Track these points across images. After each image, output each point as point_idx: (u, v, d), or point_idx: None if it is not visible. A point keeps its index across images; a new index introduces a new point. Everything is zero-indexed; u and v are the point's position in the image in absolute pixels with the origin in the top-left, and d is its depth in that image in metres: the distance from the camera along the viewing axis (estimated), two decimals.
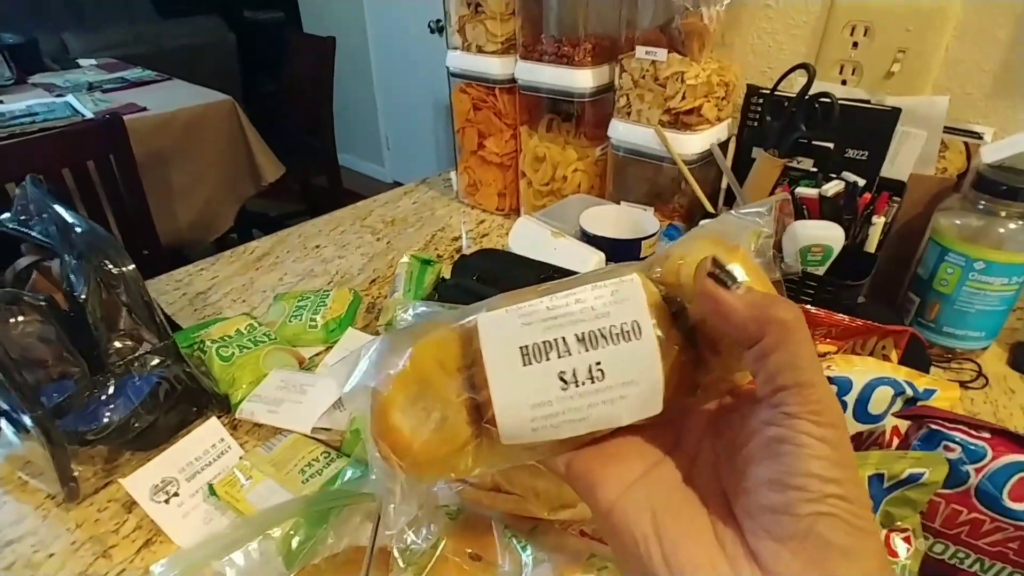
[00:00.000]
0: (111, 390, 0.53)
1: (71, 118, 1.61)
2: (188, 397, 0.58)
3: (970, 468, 0.34)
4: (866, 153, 0.74)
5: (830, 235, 0.67)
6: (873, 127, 0.73)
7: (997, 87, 0.76)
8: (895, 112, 0.72)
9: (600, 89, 0.87)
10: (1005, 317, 0.67)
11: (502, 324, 0.24)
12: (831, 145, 0.75)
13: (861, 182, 0.72)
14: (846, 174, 0.73)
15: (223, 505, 0.51)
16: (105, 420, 0.52)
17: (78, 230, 0.53)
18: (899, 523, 0.34)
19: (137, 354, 0.54)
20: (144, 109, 1.70)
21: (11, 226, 0.60)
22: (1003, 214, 0.61)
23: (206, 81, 2.02)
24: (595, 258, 0.69)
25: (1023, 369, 0.69)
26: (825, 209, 0.70)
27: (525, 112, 0.97)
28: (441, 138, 2.94)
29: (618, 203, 0.88)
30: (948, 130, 0.74)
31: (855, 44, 0.79)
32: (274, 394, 0.60)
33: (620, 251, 0.72)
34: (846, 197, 0.69)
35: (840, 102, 0.71)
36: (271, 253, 0.94)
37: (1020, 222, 0.61)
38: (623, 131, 0.84)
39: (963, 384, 0.69)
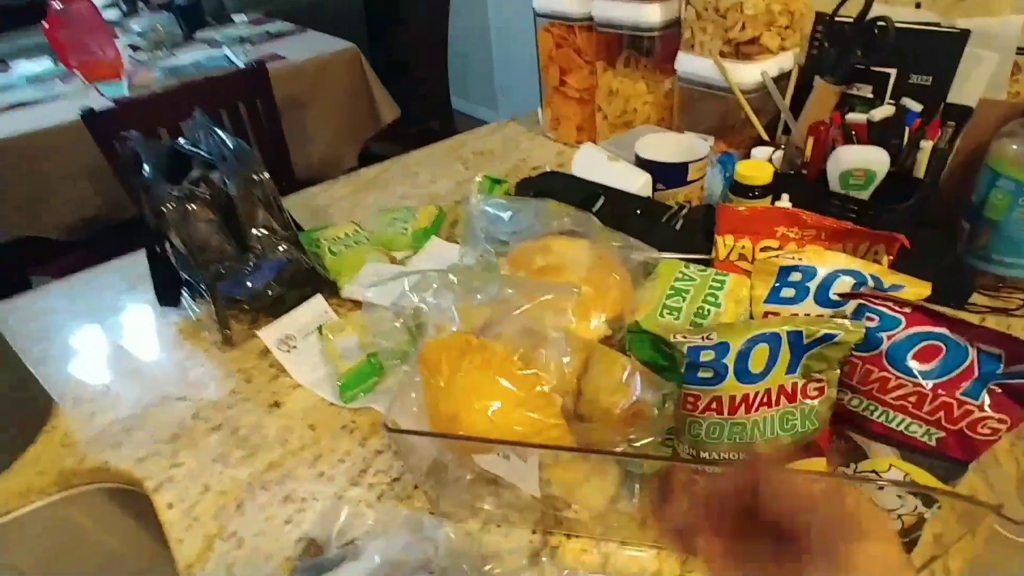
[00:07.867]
0: (252, 266, 0.71)
1: (227, 68, 1.89)
2: (306, 279, 0.76)
3: (883, 335, 0.40)
4: (930, 78, 0.74)
5: (872, 158, 0.70)
6: (938, 51, 0.72)
7: None
8: (963, 34, 0.70)
9: (669, 23, 0.92)
10: None
11: None
12: (892, 71, 0.75)
13: (918, 107, 0.72)
14: (905, 100, 0.74)
15: (326, 355, 0.69)
16: (248, 287, 0.71)
17: (231, 146, 0.71)
18: (815, 374, 0.41)
19: (270, 241, 0.72)
20: (283, 58, 1.94)
21: (187, 146, 0.80)
22: None
23: (336, 31, 2.23)
24: (641, 179, 0.77)
25: None
26: (873, 134, 0.72)
27: (604, 49, 1.04)
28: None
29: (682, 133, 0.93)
30: (1022, 52, 0.71)
31: None
32: (369, 279, 0.76)
33: (667, 173, 0.78)
34: (894, 121, 0.71)
35: (903, 25, 0.71)
36: (377, 179, 1.11)
37: None
38: (687, 63, 0.89)
39: (1008, 312, 0.69)
